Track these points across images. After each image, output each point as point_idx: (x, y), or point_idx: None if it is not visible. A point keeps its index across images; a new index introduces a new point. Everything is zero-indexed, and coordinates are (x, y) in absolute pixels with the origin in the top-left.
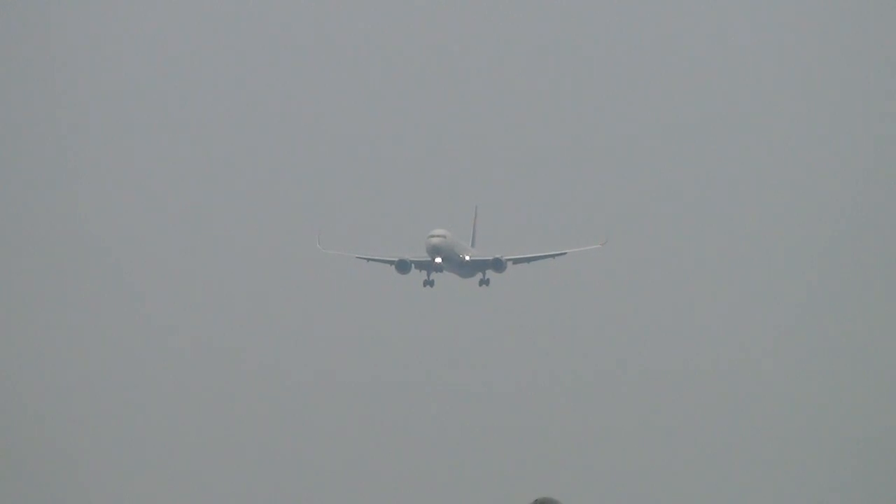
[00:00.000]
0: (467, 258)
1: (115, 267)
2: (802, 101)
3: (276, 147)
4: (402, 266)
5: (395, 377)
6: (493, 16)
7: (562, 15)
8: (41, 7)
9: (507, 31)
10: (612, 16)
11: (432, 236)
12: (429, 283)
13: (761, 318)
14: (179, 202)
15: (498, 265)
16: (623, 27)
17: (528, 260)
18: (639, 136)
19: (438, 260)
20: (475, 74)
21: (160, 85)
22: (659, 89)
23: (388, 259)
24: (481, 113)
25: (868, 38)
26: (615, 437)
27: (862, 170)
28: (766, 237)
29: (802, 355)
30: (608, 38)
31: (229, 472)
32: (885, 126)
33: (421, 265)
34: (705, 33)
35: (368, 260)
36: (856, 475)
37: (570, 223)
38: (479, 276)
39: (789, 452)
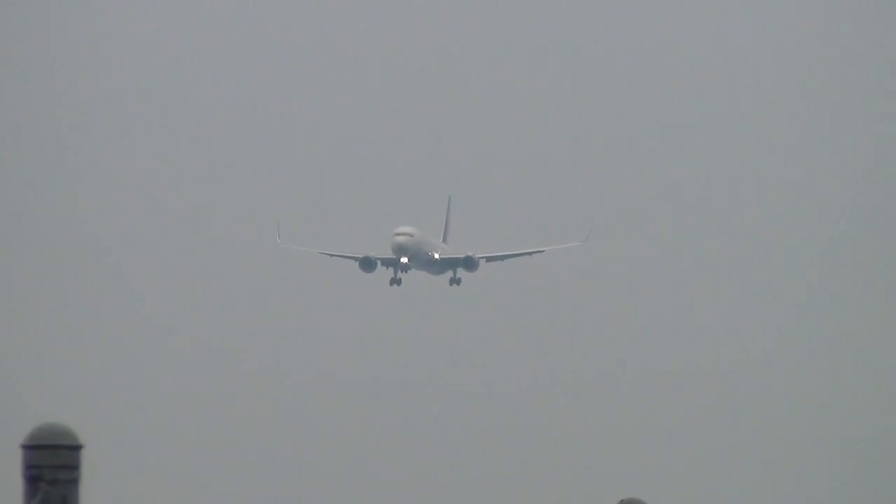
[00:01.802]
0: (437, 256)
1: (111, 266)
2: (802, 101)
3: (251, 141)
4: (367, 264)
5: (359, 379)
6: (483, 11)
7: (558, 12)
8: (41, 7)
9: (492, 25)
10: (611, 14)
11: (398, 234)
12: (396, 281)
13: (758, 318)
14: (165, 200)
15: (469, 264)
16: (622, 26)
17: (503, 258)
18: (635, 134)
19: (404, 259)
20: (455, 67)
21: (160, 85)
22: (657, 88)
23: (353, 256)
24: (459, 106)
25: (868, 38)
26: (603, 441)
27: (862, 170)
28: (765, 237)
29: (800, 356)
30: (607, 36)
31: (198, 471)
32: (885, 126)
33: (387, 263)
34: (705, 33)
35: (332, 256)
36: (856, 475)
37: (549, 219)
38: (449, 274)
39: (788, 453)
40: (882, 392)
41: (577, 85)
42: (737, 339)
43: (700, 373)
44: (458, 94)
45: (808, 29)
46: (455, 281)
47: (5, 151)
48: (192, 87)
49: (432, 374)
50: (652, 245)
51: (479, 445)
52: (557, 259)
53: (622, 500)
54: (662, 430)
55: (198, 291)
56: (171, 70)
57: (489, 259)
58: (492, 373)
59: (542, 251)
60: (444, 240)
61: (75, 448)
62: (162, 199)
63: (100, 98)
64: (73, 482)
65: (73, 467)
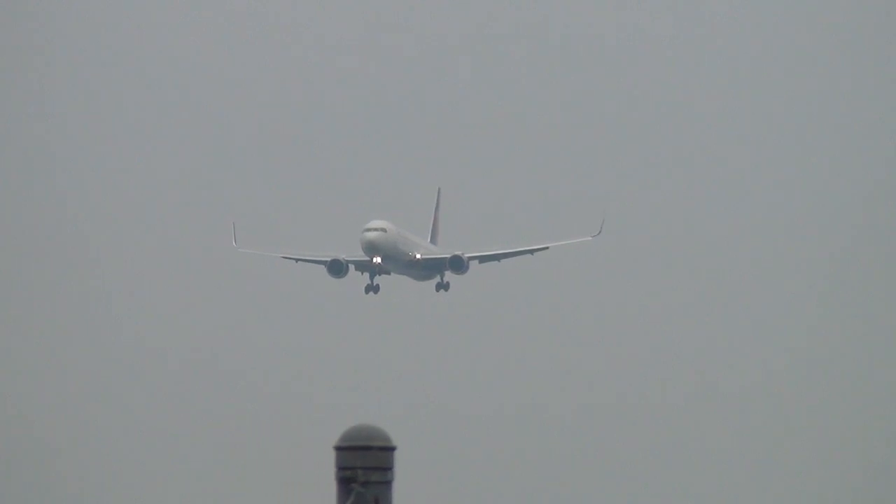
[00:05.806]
0: (418, 257)
1: (46, 277)
2: (802, 101)
3: (213, 135)
4: (335, 267)
5: (328, 407)
6: (483, 3)
7: (559, 7)
8: (41, 7)
9: (492, 18)
10: (612, 13)
11: (368, 230)
12: (372, 288)
13: (760, 319)
14: (119, 200)
15: (457, 265)
16: (622, 26)
17: (499, 257)
18: (635, 132)
19: (377, 260)
20: (446, 56)
21: (120, 83)
22: (657, 88)
23: (320, 259)
24: (449, 96)
25: (868, 38)
26: (606, 455)
27: (862, 170)
28: (764, 237)
29: (801, 358)
30: (607, 35)
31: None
32: (886, 126)
33: (361, 266)
34: (705, 33)
35: (297, 260)
36: (857, 477)
37: (546, 217)
38: (436, 278)
39: (788, 457)
40: (884, 394)
41: (578, 79)
42: (754, 341)
43: (720, 381)
44: (450, 85)
45: (808, 29)
46: (442, 286)
47: (5, 151)
48: (153, 83)
49: (415, 398)
50: (666, 245)
51: (473, 485)
52: (558, 259)
53: None
54: (681, 454)
55: (138, 312)
56: (132, 68)
57: (482, 259)
58: (485, 396)
59: (547, 248)
60: (433, 240)
61: (388, 449)
62: (115, 200)
63: (100, 98)
64: (386, 484)
65: (386, 469)
